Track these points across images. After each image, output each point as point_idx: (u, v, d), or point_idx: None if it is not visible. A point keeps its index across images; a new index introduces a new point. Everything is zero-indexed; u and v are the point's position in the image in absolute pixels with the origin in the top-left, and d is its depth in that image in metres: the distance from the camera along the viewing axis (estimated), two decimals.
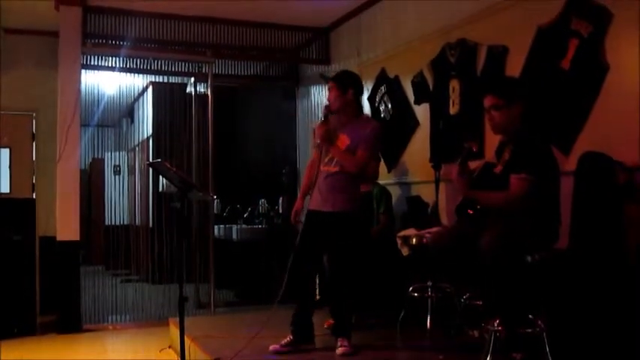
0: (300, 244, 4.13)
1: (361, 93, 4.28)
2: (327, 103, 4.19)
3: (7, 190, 7.09)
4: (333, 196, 4.08)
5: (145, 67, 7.33)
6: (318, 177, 4.15)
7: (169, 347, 5.27)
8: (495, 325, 3.33)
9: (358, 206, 4.20)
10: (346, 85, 4.16)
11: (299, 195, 4.43)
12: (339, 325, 4.16)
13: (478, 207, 3.60)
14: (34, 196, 7.01)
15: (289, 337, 4.15)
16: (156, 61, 7.31)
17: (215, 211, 7.67)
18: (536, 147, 3.46)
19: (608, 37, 3.77)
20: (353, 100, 4.17)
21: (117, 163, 9.34)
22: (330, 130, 4.08)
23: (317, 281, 4.31)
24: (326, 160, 4.15)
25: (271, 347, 4.11)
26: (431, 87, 5.48)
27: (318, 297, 4.38)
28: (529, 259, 3.35)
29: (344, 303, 4.16)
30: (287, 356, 4.07)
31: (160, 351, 5.22)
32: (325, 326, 4.49)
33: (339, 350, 4.00)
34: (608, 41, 3.77)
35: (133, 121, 9.75)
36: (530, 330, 3.32)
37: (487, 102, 3.62)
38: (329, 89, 4.20)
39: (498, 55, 4.66)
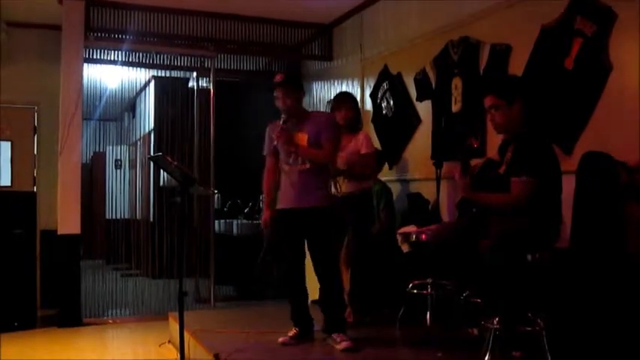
0: (284, 244, 4.27)
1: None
2: (285, 109, 4.21)
3: (9, 183, 7.10)
4: (309, 193, 4.17)
5: (147, 61, 7.33)
6: (288, 176, 4.24)
7: (169, 342, 5.28)
8: (495, 323, 3.33)
9: (332, 200, 4.33)
10: (299, 85, 4.34)
11: (265, 204, 4.45)
12: (333, 322, 4.22)
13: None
14: (35, 190, 7.02)
15: (296, 330, 4.28)
16: (158, 55, 7.31)
17: (216, 206, 7.66)
18: (537, 147, 3.45)
19: (612, 37, 3.76)
20: (302, 100, 4.34)
21: (118, 157, 9.34)
22: (290, 133, 4.17)
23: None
24: (290, 160, 4.22)
25: (280, 339, 4.22)
26: (433, 84, 5.47)
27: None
28: (529, 257, 3.35)
29: (335, 298, 4.24)
30: (288, 350, 4.12)
31: (159, 345, 5.23)
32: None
33: (342, 345, 4.03)
34: (611, 41, 3.77)
35: (134, 115, 9.75)
36: (529, 328, 3.32)
37: (487, 102, 3.62)
38: (282, 96, 4.21)
39: (501, 53, 4.65)
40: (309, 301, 4.49)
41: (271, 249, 4.39)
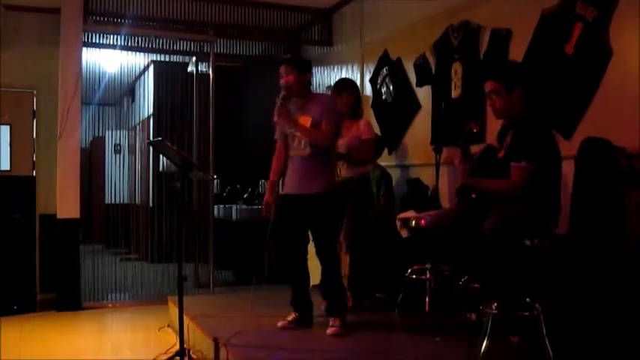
0: (284, 229, 4.24)
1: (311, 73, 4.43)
2: (286, 86, 4.18)
3: (8, 168, 7.08)
4: (311, 179, 4.15)
5: (146, 45, 7.30)
6: (292, 162, 4.23)
7: (168, 326, 5.30)
8: (493, 308, 3.34)
9: (335, 187, 4.31)
10: (304, 67, 4.28)
11: (268, 187, 4.45)
12: (334, 305, 4.24)
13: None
14: (34, 174, 7.01)
15: (295, 314, 4.30)
16: (157, 40, 7.28)
17: (215, 191, 7.66)
18: (537, 133, 3.45)
19: (613, 22, 3.74)
20: (309, 82, 4.30)
21: (117, 142, 9.33)
22: (288, 110, 4.17)
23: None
24: (294, 144, 4.22)
25: (279, 324, 4.25)
26: (433, 70, 5.46)
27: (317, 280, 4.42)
28: (528, 243, 3.35)
29: (334, 282, 4.25)
30: (287, 335, 4.14)
31: (158, 329, 5.25)
32: (323, 308, 4.52)
33: (330, 330, 4.07)
34: (612, 27, 3.75)
35: (134, 99, 9.72)
36: (527, 313, 3.33)
37: (487, 87, 3.62)
38: (284, 73, 4.20)
39: (502, 38, 4.63)
40: (311, 285, 4.50)
41: (274, 233, 4.38)
